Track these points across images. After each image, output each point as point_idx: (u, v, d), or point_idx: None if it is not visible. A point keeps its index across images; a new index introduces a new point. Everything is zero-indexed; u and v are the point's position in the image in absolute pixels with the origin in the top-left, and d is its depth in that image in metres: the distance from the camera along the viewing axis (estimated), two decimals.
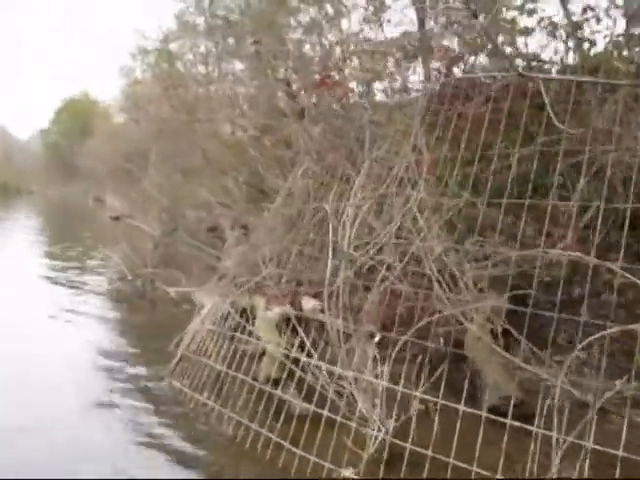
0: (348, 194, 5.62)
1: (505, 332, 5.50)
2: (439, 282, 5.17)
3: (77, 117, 73.82)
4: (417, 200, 4.99)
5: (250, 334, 6.68)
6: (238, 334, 6.50)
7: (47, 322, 8.86)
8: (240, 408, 5.28)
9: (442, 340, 5.64)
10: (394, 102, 6.99)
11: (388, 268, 5.18)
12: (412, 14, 10.74)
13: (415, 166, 5.40)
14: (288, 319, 7.00)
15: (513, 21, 9.12)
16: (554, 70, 9.00)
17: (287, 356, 5.68)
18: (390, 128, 6.27)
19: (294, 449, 4.64)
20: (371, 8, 12.04)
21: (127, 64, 37.30)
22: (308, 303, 6.90)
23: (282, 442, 4.73)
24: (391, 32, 11.11)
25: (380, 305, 5.34)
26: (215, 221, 20.44)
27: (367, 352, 4.54)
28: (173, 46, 32.06)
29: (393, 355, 4.54)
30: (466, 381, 4.74)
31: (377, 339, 4.69)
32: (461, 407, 4.42)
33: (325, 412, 4.82)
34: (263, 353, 6.38)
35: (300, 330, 5.66)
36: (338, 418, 4.76)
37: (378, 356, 4.63)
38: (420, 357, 5.07)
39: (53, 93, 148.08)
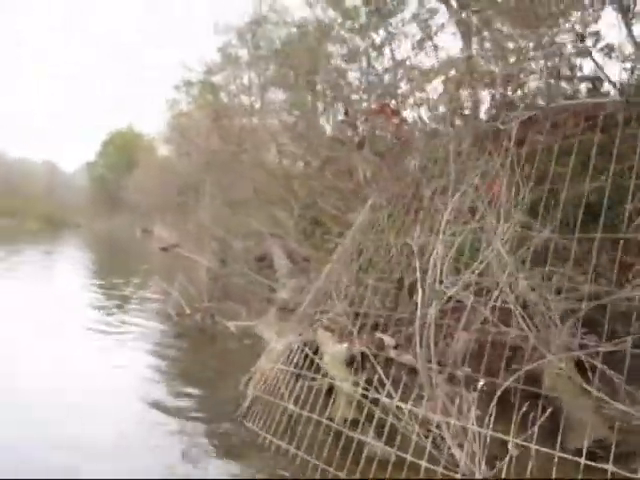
0: (430, 228, 5.45)
1: (581, 367, 5.27)
2: (523, 318, 4.96)
3: (123, 150, 75.00)
4: (506, 233, 4.79)
5: (318, 371, 6.54)
6: (305, 371, 6.35)
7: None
8: (317, 451, 5.09)
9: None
10: (482, 129, 6.76)
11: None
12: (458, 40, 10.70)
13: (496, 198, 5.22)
14: (355, 357, 6.87)
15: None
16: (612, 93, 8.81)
17: (365, 396, 5.48)
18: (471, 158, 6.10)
19: None
20: (419, 35, 12.00)
21: (171, 97, 37.88)
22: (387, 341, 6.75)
23: None
24: (439, 58, 11.07)
25: (468, 345, 5.14)
26: (265, 251, 20.49)
27: (464, 396, 4.32)
28: (217, 78, 32.49)
29: (495, 401, 4.31)
30: (543, 420, 4.49)
31: (482, 384, 4.45)
32: (556, 453, 4.19)
33: (408, 456, 4.63)
34: (330, 390, 6.23)
35: (379, 369, 5.46)
36: (423, 463, 4.55)
37: (470, 398, 4.42)
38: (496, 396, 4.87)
39: (98, 126, 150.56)
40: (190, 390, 7.23)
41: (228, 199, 20.01)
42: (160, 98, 46.81)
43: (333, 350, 7.10)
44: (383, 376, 5.59)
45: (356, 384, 6.05)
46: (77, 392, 6.90)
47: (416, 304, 4.94)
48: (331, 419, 5.49)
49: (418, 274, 4.71)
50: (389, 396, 5.31)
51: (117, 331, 10.46)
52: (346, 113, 10.14)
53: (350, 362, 6.95)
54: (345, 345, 7.24)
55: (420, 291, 4.70)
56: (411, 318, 5.10)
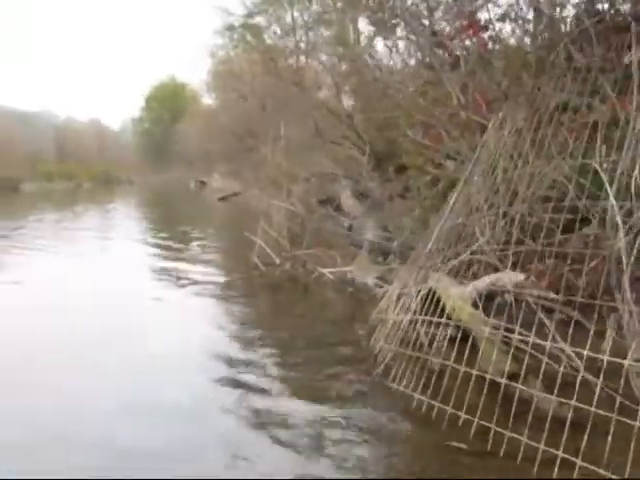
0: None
1: None
2: None
3: (166, 103, 74.71)
4: None
5: (448, 317, 5.91)
6: (436, 319, 5.72)
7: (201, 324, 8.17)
8: (481, 412, 4.45)
9: None
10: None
11: None
12: None
13: None
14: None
15: None
16: None
17: (525, 342, 4.83)
18: None
19: (577, 460, 3.82)
20: None
21: (212, 43, 37.06)
22: (516, 277, 6.07)
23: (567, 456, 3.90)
24: None
25: None
26: (329, 193, 19.82)
27: None
28: (258, 19, 31.50)
29: None
30: None
31: None
32: None
33: (593, 409, 3.98)
34: (464, 338, 5.58)
35: (541, 314, 4.78)
36: (614, 417, 3.90)
37: None
38: None
39: (140, 80, 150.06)
40: (301, 345, 6.62)
41: (292, 142, 19.28)
42: (200, 46, 46.05)
43: (457, 292, 6.45)
44: (545, 318, 4.95)
45: (495, 328, 5.42)
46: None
47: (586, 236, 4.24)
48: (484, 371, 4.85)
49: (612, 201, 3.98)
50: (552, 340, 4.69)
51: (204, 281, 9.99)
52: (434, 33, 9.28)
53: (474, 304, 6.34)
54: (472, 285, 6.60)
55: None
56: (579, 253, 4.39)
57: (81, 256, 13.45)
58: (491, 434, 4.21)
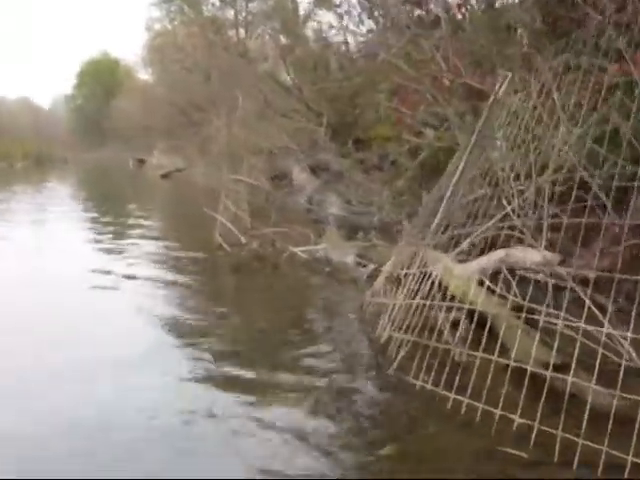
0: None
1: None
2: None
3: (100, 79, 72.63)
4: None
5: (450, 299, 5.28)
6: (439, 302, 5.09)
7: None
8: (523, 408, 3.82)
9: None
10: None
11: None
12: None
13: None
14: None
15: None
16: None
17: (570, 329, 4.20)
18: None
19: None
20: None
21: (148, 15, 35.72)
22: (534, 254, 5.45)
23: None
24: None
25: None
26: (281, 169, 19.04)
27: None
28: None
29: None
30: None
31: None
32: None
33: None
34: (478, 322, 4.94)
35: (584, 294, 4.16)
36: None
37: None
38: None
39: (67, 56, 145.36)
40: (297, 338, 5.83)
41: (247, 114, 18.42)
42: (133, 19, 44.60)
43: (461, 271, 5.81)
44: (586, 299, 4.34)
45: (518, 309, 4.80)
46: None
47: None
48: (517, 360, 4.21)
49: None
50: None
51: (163, 262, 9.18)
52: None
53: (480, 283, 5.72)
54: (475, 263, 5.97)
55: None
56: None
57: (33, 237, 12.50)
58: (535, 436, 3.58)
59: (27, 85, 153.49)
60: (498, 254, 5.86)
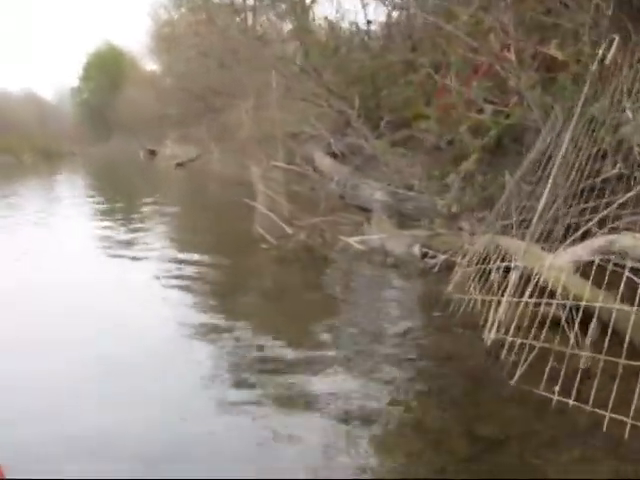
0: None
1: None
2: None
3: (105, 70, 71.84)
4: None
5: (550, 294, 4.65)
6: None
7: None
8: None
9: None
10: None
11: None
12: None
13: None
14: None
15: None
16: None
17: None
18: None
19: None
20: None
21: (153, 3, 35.24)
22: None
23: None
24: None
25: None
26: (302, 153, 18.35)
27: None
28: None
29: None
30: None
31: None
32: None
33: None
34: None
35: None
36: None
37: None
38: None
39: (72, 47, 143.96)
40: (381, 345, 5.15)
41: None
42: (138, 8, 44.09)
43: (557, 261, 5.17)
44: None
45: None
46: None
47: None
48: None
49: None
50: None
51: (203, 263, 8.54)
52: None
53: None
54: (570, 251, 5.33)
55: None
56: None
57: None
58: None
59: (31, 79, 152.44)
60: (598, 242, 5.23)
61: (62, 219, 14.03)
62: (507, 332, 4.39)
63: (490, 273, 5.55)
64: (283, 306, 6.27)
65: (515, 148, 7.52)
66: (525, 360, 4.01)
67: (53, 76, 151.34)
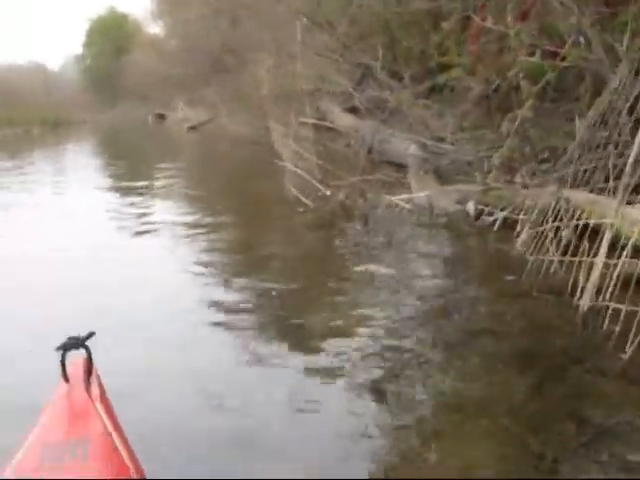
0: None
1: None
2: None
3: (109, 35, 70.93)
4: None
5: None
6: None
7: None
8: None
9: None
10: None
11: None
12: None
13: None
14: None
15: None
16: None
17: None
18: None
19: None
20: None
21: None
22: None
23: None
24: None
25: None
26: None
27: None
28: None
29: None
30: None
31: None
32: None
33: None
34: None
35: None
36: None
37: None
38: None
39: (75, 14, 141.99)
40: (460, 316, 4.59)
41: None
42: None
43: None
44: None
45: None
46: None
47: None
48: None
49: None
50: None
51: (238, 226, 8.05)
52: None
53: None
54: None
55: None
56: None
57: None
58: None
59: (35, 50, 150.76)
60: None
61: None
62: (605, 298, 3.91)
63: (560, 231, 5.07)
64: (333, 286, 5.53)
65: (570, 95, 6.97)
66: (638, 330, 3.52)
67: (58, 46, 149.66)
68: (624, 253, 3.96)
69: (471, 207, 6.77)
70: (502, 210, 6.36)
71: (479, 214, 6.65)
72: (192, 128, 29.56)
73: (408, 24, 15.37)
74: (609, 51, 6.40)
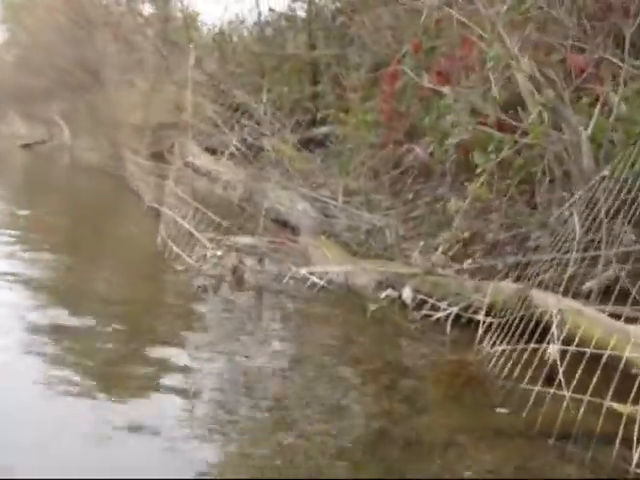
0: None
1: None
2: None
3: None
4: None
5: None
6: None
7: None
8: None
9: None
10: None
11: None
12: None
13: None
14: None
15: None
16: None
17: None
18: None
19: None
20: None
21: None
22: None
23: None
24: None
25: None
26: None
27: None
28: None
29: None
30: None
31: None
32: None
33: None
34: None
35: None
36: None
37: None
38: None
39: None
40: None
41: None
42: None
43: None
44: None
45: None
46: None
47: None
48: None
49: None
50: None
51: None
52: None
53: None
54: None
55: None
56: None
57: None
58: None
59: None
60: None
61: None
62: None
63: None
64: None
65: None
66: None
67: None
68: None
69: (409, 295, 5.42)
70: (451, 305, 5.09)
71: (419, 305, 5.36)
72: (26, 146, 26.72)
73: (290, 70, 14.44)
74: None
